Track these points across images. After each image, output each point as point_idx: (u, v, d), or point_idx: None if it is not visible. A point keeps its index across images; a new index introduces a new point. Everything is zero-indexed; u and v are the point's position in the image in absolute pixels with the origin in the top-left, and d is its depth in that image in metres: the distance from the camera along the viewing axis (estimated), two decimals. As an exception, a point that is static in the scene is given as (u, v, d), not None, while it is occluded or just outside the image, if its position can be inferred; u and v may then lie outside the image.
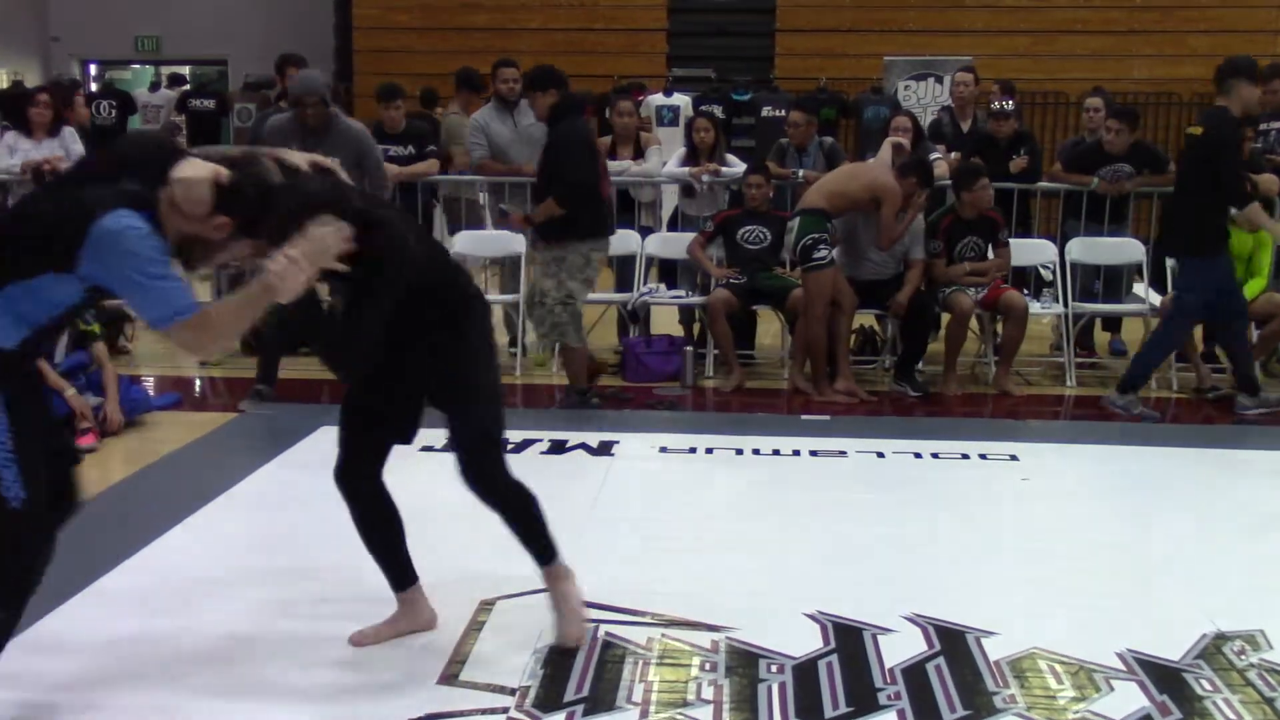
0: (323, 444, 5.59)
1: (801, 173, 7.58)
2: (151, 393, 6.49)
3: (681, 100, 12.09)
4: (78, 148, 7.84)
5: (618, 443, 5.65)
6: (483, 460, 3.35)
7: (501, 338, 7.91)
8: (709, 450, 5.63)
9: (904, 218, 6.73)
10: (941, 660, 3.37)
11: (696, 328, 7.63)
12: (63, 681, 3.18)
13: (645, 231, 7.77)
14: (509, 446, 5.49)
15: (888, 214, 6.66)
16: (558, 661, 3.33)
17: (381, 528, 3.46)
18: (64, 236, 2.65)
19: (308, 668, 3.30)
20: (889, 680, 3.24)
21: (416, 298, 3.10)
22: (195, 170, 2.79)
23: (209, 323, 2.74)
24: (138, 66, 16.34)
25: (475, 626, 3.55)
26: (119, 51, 15.73)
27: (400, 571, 3.48)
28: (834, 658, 3.38)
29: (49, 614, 3.56)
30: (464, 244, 7.82)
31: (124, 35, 15.38)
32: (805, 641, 3.47)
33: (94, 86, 15.44)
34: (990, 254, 7.06)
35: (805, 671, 3.30)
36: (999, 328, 7.23)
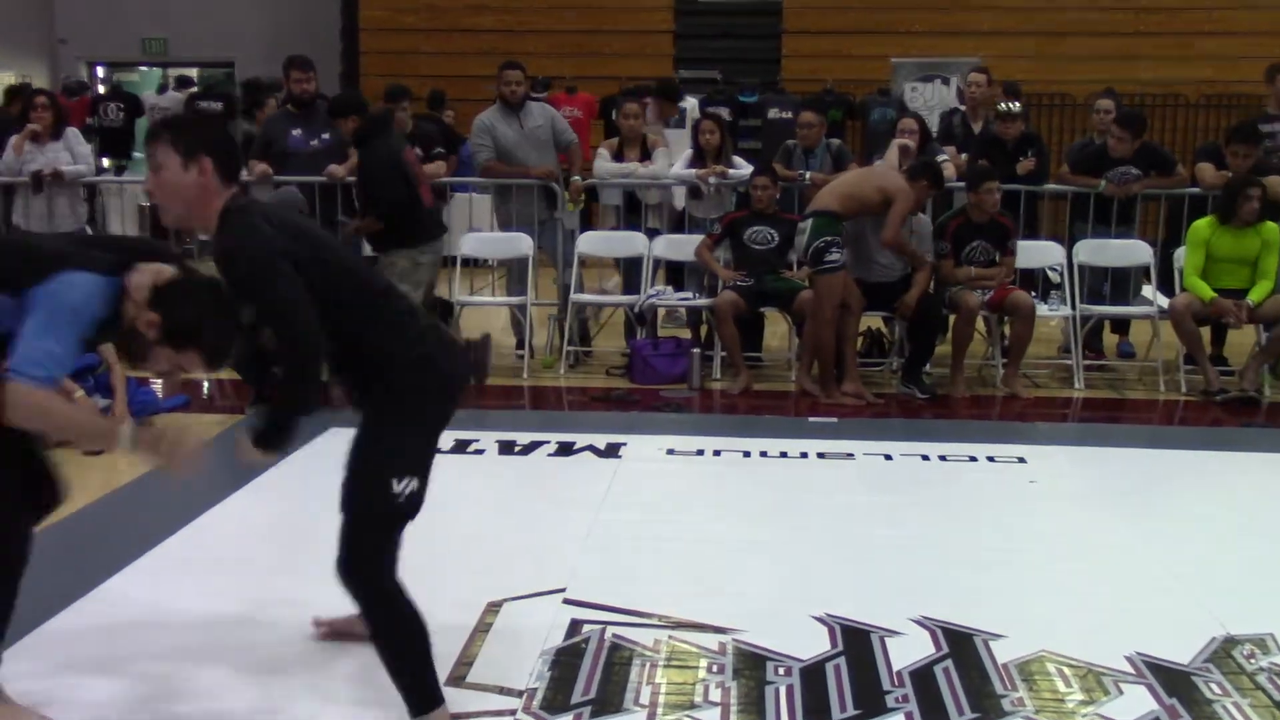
0: (331, 446, 5.60)
1: (809, 175, 7.58)
2: (160, 395, 6.49)
3: (688, 102, 12.09)
4: (83, 149, 7.87)
5: (625, 445, 5.64)
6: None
7: (509, 340, 7.94)
8: (716, 452, 5.62)
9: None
10: (949, 663, 3.36)
11: (704, 330, 7.63)
12: (66, 679, 3.18)
13: (652, 234, 7.77)
14: (516, 448, 5.54)
15: (897, 212, 6.66)
16: (565, 663, 3.33)
17: None
18: (32, 270, 2.66)
19: (314, 666, 3.30)
20: (897, 683, 3.24)
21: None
22: (151, 266, 2.79)
23: (40, 406, 2.65)
24: (145, 69, 16.37)
25: (482, 628, 3.55)
26: (126, 53, 15.75)
27: None
28: (842, 660, 3.37)
29: (56, 615, 3.57)
30: (471, 246, 7.83)
31: (131, 37, 15.40)
32: (813, 644, 3.46)
33: (101, 89, 15.47)
34: (999, 259, 7.03)
35: (813, 674, 3.29)
36: (1006, 329, 7.22)
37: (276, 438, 2.85)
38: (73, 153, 7.64)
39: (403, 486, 2.79)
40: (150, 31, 15.41)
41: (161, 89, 14.72)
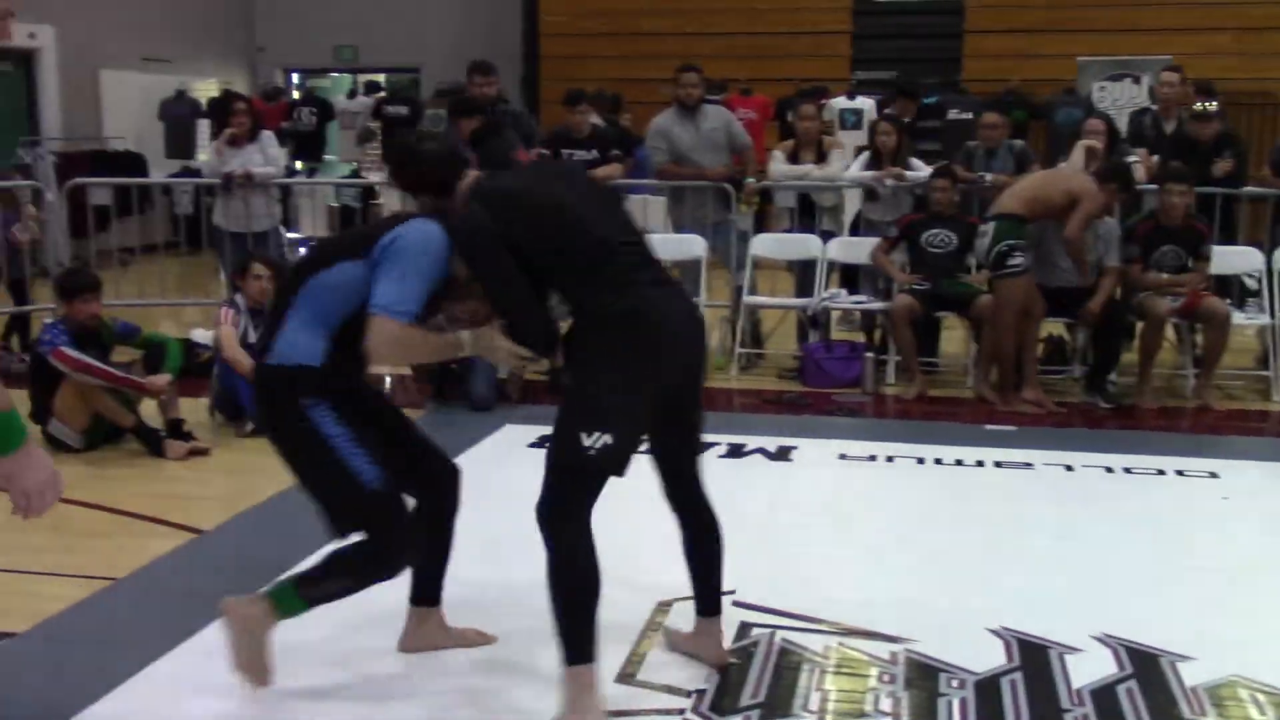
0: (505, 442, 5.74)
1: (989, 176, 7.41)
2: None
3: (865, 104, 11.94)
4: (275, 151, 8.23)
5: (796, 448, 5.62)
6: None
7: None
8: (889, 458, 5.54)
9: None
10: (1133, 683, 3.24)
11: (878, 334, 7.53)
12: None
13: (827, 236, 7.71)
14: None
15: (1083, 212, 6.44)
16: (735, 666, 3.33)
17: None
18: (372, 233, 3.03)
19: (489, 660, 3.38)
20: (1077, 701, 3.14)
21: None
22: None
23: (406, 339, 2.93)
24: (336, 75, 17.02)
25: (653, 627, 3.58)
26: (320, 61, 16.41)
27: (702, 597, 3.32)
28: (1018, 675, 3.29)
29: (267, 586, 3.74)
30: (645, 247, 7.88)
31: (324, 46, 16.03)
32: (988, 657, 3.38)
33: (295, 94, 16.14)
34: (1191, 265, 6.74)
35: (987, 688, 3.22)
36: (1198, 338, 6.92)
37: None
38: (265, 155, 8.00)
39: (593, 440, 2.82)
40: (342, 39, 16.01)
41: (351, 94, 15.29)
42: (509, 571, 3.79)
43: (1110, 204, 6.58)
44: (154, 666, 3.29)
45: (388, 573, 3.06)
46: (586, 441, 2.82)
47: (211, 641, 3.43)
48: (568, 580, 2.87)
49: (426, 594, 3.38)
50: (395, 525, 3.02)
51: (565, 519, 2.87)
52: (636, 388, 2.89)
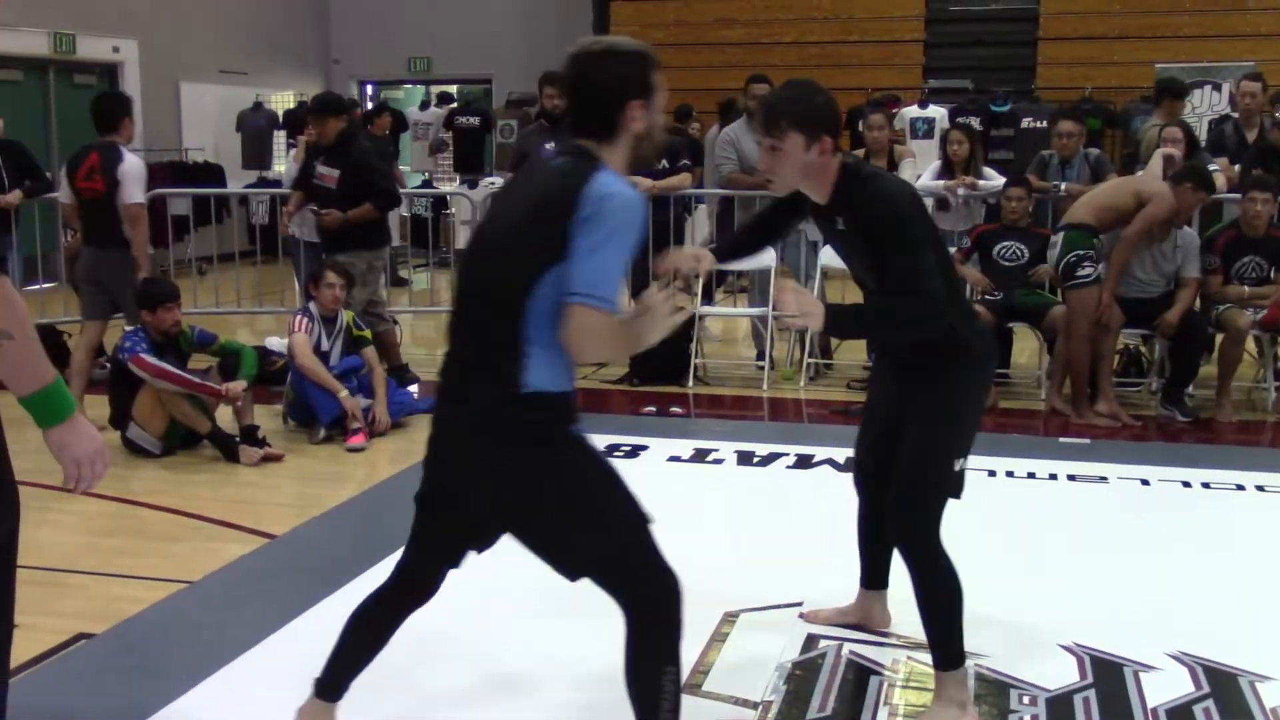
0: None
1: (1064, 186, 7.30)
2: (416, 396, 6.81)
3: (937, 112, 11.84)
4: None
5: (865, 460, 5.56)
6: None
7: (750, 351, 7.96)
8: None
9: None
10: (1210, 703, 3.17)
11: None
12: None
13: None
14: (755, 459, 5.55)
15: (1149, 213, 6.30)
16: (801, 678, 3.31)
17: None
18: (554, 212, 2.35)
19: (550, 663, 3.38)
20: (1152, 720, 3.08)
21: None
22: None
23: (611, 334, 2.39)
24: (409, 86, 17.22)
25: (719, 638, 3.57)
26: (393, 72, 16.62)
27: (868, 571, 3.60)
28: (1091, 693, 3.23)
29: (326, 598, 3.79)
30: (714, 257, 7.87)
31: (398, 57, 16.24)
32: (1061, 674, 3.33)
33: (369, 105, 16.36)
34: (1274, 277, 6.59)
35: (1060, 705, 3.16)
36: (1279, 350, 6.77)
37: (846, 321, 3.14)
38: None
39: (960, 465, 3.07)
40: (416, 51, 16.20)
41: (424, 105, 15.46)
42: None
43: (1187, 207, 6.43)
44: (228, 668, 3.34)
45: (679, 624, 2.60)
46: (958, 467, 3.06)
47: (281, 644, 3.49)
48: (949, 592, 3.05)
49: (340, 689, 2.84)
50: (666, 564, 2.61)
51: (935, 536, 3.07)
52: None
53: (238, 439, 5.64)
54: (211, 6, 14.15)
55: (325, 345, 6.12)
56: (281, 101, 14.90)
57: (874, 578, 3.60)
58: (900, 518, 3.08)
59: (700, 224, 9.88)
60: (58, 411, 2.11)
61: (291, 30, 15.75)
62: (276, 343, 7.10)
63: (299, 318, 6.10)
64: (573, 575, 2.58)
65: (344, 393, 5.91)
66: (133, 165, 6.45)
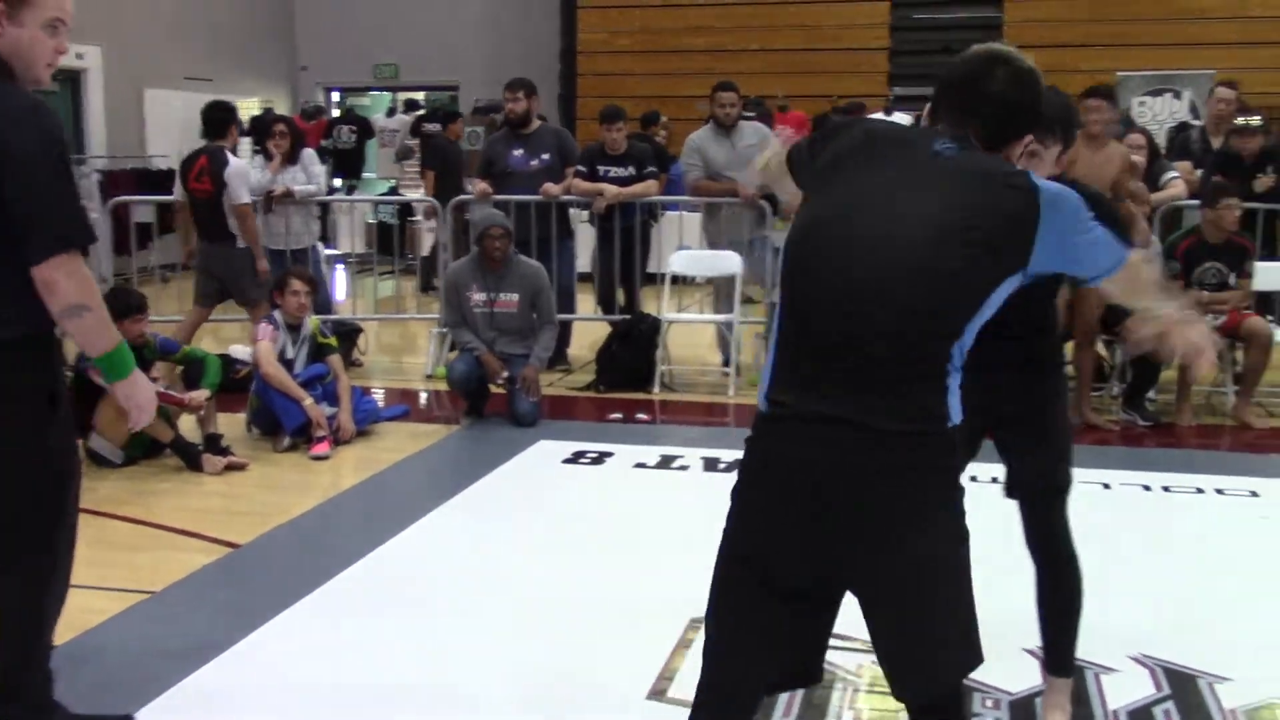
0: (537, 458, 5.76)
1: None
2: (381, 404, 6.79)
3: (903, 119, 11.92)
4: (316, 169, 8.30)
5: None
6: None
7: (715, 357, 7.98)
8: (973, 478, 5.49)
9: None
10: (1170, 705, 3.21)
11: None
12: (291, 680, 3.36)
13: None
14: (720, 466, 5.56)
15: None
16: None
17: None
18: (1016, 226, 2.08)
19: (518, 675, 3.38)
20: (1112, 722, 3.11)
21: None
22: None
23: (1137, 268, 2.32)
24: (376, 93, 17.17)
25: (684, 644, 3.57)
26: (360, 79, 16.58)
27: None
28: (1053, 695, 3.25)
29: (290, 607, 3.77)
30: (680, 264, 7.91)
31: (365, 64, 16.20)
32: (1023, 678, 3.35)
33: (336, 112, 16.31)
34: (1233, 282, 6.67)
35: (1022, 708, 3.19)
36: (1239, 355, 6.83)
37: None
38: (307, 173, 8.07)
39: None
40: (382, 58, 16.17)
41: (390, 112, 15.43)
42: (563, 576, 3.81)
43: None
44: (192, 678, 3.32)
45: None
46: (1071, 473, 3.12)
47: (245, 654, 3.47)
48: (1079, 595, 3.14)
49: None
50: None
51: (1071, 536, 3.13)
52: None
53: (201, 448, 5.60)
54: (176, 13, 14.07)
55: (290, 353, 6.09)
56: (247, 108, 14.81)
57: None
58: (1041, 526, 3.15)
59: (670, 230, 9.88)
60: (122, 368, 2.77)
61: (257, 37, 15.68)
62: (241, 350, 7.06)
63: (264, 326, 6.07)
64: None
65: (309, 401, 5.89)
66: (237, 167, 7.24)
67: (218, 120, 7.38)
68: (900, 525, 2.06)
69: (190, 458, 5.54)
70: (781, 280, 2.18)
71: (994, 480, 5.36)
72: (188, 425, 5.75)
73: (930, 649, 2.11)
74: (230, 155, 7.28)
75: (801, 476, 2.06)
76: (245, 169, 7.39)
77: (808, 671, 2.26)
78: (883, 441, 2.02)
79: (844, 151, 2.18)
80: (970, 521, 2.19)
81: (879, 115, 12.15)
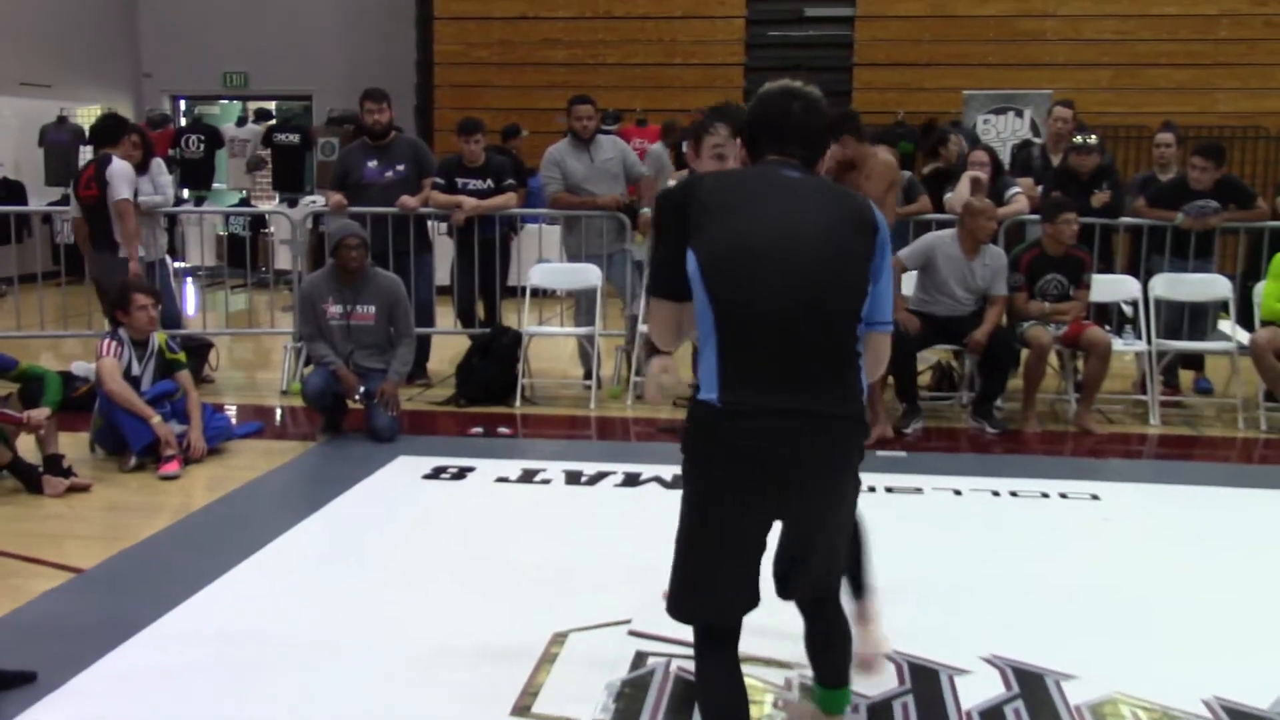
0: (397, 474, 5.67)
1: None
2: (234, 421, 6.60)
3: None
4: (163, 180, 8.04)
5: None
6: None
7: (576, 370, 7.98)
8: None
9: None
10: (1020, 703, 3.30)
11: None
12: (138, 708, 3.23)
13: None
14: (583, 479, 5.56)
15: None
16: (630, 695, 3.32)
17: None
18: (869, 229, 2.61)
19: (379, 692, 3.32)
20: (966, 723, 3.19)
21: None
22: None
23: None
24: (225, 102, 16.74)
25: (548, 658, 3.55)
26: (208, 87, 16.13)
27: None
28: (909, 698, 3.33)
29: (136, 635, 3.63)
30: (539, 277, 7.89)
31: (213, 72, 15.78)
32: (880, 681, 3.42)
33: (183, 121, 15.84)
34: (1073, 294, 6.94)
35: (880, 712, 3.25)
36: (1079, 364, 7.12)
37: None
38: (154, 184, 7.82)
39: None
40: (232, 66, 15.78)
41: (240, 121, 15.05)
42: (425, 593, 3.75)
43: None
44: (29, 712, 3.16)
45: None
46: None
47: (87, 686, 3.34)
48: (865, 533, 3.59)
49: None
50: None
51: None
52: None
53: (41, 469, 5.36)
54: (12, 16, 13.50)
55: (136, 369, 5.89)
56: (88, 116, 14.28)
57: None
58: None
59: (530, 243, 9.86)
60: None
61: (99, 42, 15.15)
62: (82, 367, 6.80)
63: (107, 341, 5.85)
64: None
65: (156, 418, 5.69)
66: (120, 167, 7.22)
67: (110, 129, 7.44)
68: (837, 479, 2.63)
69: (29, 480, 5.30)
70: (710, 299, 2.52)
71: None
72: (26, 446, 5.50)
73: (837, 559, 2.82)
74: (116, 159, 7.24)
75: (768, 456, 2.50)
76: (129, 170, 7.29)
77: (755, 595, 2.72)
78: (829, 425, 2.53)
79: (711, 196, 2.58)
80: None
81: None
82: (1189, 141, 8.98)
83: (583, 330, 7.72)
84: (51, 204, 12.24)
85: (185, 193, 13.66)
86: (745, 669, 3.45)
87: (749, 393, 2.49)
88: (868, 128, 7.57)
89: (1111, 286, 7.44)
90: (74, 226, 8.02)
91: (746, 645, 3.59)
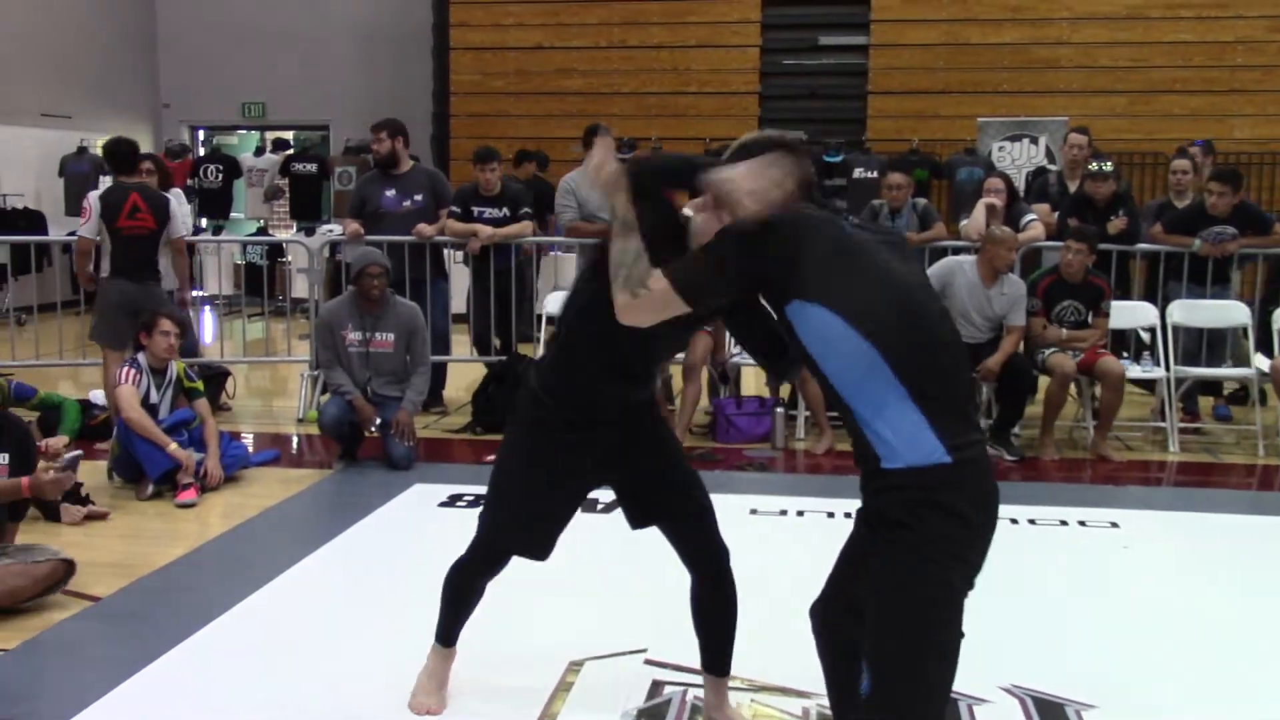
0: (413, 502, 5.67)
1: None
2: (250, 449, 6.62)
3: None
4: (183, 209, 8.11)
5: (708, 504, 5.61)
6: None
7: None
8: (800, 513, 5.58)
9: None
10: (1040, 733, 3.27)
11: (787, 389, 7.59)
12: None
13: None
14: (598, 506, 5.54)
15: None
16: (646, 725, 3.30)
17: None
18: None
19: (398, 725, 3.31)
20: (985, 753, 3.16)
21: None
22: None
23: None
24: (244, 132, 16.86)
25: (564, 687, 3.54)
26: (226, 117, 16.25)
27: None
28: (928, 728, 3.30)
29: (153, 663, 3.63)
30: (555, 304, 7.90)
31: (231, 102, 15.90)
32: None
33: (202, 151, 15.96)
34: (1090, 321, 6.92)
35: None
36: (1097, 390, 7.09)
37: None
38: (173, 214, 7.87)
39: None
40: (250, 96, 15.90)
41: (258, 151, 15.16)
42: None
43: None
44: (45, 740, 3.17)
45: None
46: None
47: (103, 714, 3.34)
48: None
49: None
50: None
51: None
52: None
53: (59, 497, 5.38)
54: (33, 47, 13.65)
55: (155, 398, 5.91)
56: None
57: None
58: (718, 536, 3.46)
59: (549, 273, 9.90)
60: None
61: (119, 73, 15.29)
62: (101, 395, 6.83)
63: (125, 369, 5.87)
64: None
65: (173, 446, 5.71)
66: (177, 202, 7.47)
67: (127, 156, 7.30)
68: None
69: (47, 508, 5.32)
70: (879, 347, 2.34)
71: (846, 515, 5.44)
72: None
73: None
74: (170, 197, 7.26)
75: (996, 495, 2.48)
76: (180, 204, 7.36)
77: None
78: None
79: (826, 237, 2.43)
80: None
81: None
82: (1213, 157, 8.96)
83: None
84: (71, 234, 12.33)
85: (204, 222, 13.75)
86: (762, 698, 3.45)
87: (966, 433, 2.39)
88: (882, 155, 7.59)
89: (1129, 313, 7.42)
90: (78, 249, 7.58)
91: (763, 673, 3.59)
